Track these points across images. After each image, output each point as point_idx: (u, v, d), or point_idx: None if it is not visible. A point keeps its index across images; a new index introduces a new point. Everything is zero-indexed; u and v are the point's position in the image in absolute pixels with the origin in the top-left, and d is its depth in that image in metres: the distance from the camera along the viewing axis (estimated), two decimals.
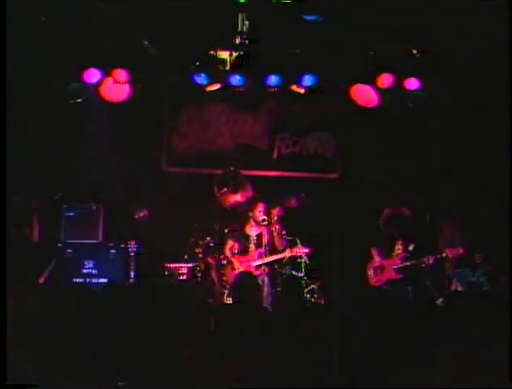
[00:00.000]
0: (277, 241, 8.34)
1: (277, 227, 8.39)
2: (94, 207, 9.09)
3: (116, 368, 6.31)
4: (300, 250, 8.34)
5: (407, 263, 8.48)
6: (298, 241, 8.70)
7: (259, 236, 8.38)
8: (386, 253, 8.75)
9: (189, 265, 9.15)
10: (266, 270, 8.28)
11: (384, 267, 8.66)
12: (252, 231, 8.43)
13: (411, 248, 8.57)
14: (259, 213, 8.34)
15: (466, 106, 9.01)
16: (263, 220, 8.28)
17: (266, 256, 8.26)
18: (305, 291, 9.13)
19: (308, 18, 8.02)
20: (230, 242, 8.51)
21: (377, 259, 8.75)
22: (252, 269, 8.27)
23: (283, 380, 6.18)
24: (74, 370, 6.15)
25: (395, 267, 8.56)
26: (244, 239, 8.44)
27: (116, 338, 6.69)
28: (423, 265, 8.39)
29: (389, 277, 8.59)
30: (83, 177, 9.58)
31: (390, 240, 8.84)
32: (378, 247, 8.83)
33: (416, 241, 8.60)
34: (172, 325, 7.03)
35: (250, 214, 8.44)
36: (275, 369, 6.33)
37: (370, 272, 8.74)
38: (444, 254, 8.34)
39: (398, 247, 8.68)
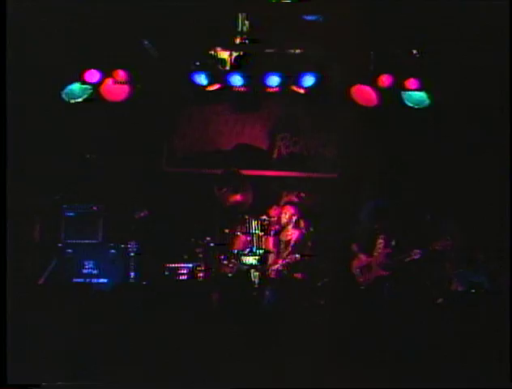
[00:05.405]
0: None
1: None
2: (94, 208, 9.11)
3: (115, 368, 6.31)
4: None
5: (394, 259, 8.23)
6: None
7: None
8: (367, 248, 8.58)
9: (190, 265, 9.14)
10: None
11: (371, 266, 8.47)
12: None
13: (393, 243, 8.34)
14: (285, 215, 8.91)
15: (466, 106, 9.01)
16: (289, 223, 8.78)
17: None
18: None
19: (308, 18, 8.03)
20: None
21: (362, 258, 8.58)
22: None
23: (283, 380, 6.17)
24: (73, 370, 6.15)
25: (382, 263, 8.34)
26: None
27: (116, 338, 6.69)
28: (407, 259, 8.11)
29: (377, 275, 8.35)
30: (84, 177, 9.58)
31: (371, 235, 8.65)
32: (358, 243, 8.67)
33: (398, 235, 8.37)
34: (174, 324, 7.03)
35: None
36: (275, 369, 6.33)
37: (357, 271, 8.56)
38: (431, 247, 8.07)
39: (380, 242, 8.45)
